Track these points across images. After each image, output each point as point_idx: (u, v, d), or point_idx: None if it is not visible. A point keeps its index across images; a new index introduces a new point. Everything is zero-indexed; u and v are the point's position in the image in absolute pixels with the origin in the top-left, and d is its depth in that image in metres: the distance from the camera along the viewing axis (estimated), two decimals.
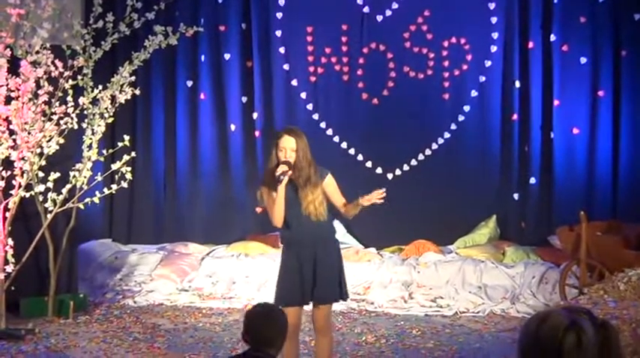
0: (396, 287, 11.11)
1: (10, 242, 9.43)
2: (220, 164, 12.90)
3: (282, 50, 12.74)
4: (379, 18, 12.60)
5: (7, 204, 9.51)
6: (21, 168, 9.50)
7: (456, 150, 12.62)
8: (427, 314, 10.55)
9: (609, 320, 3.80)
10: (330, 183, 6.97)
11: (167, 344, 9.09)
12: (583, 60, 12.19)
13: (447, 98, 12.59)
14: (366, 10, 12.61)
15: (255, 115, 12.84)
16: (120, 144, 10.19)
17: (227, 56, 12.77)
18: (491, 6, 12.43)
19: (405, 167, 12.64)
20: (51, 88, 9.50)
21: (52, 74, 9.52)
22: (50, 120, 9.64)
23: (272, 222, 6.91)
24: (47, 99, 9.54)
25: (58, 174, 9.77)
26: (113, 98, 10.11)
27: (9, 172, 9.46)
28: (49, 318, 10.02)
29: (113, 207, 12.75)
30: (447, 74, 12.56)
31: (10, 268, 9.44)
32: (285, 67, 12.76)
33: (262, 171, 12.39)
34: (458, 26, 12.53)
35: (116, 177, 10.18)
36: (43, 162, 9.70)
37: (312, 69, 12.73)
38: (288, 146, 6.77)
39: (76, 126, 9.85)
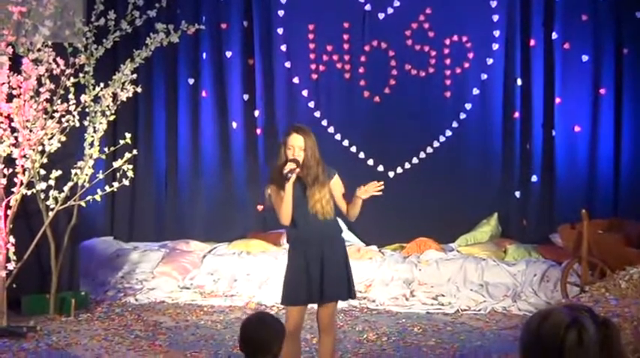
0: (397, 285, 11.12)
1: (12, 239, 9.44)
2: (222, 162, 12.90)
3: (283, 48, 12.74)
4: (381, 16, 12.59)
5: (8, 201, 9.51)
6: (22, 166, 9.51)
7: (457, 148, 12.61)
8: (428, 311, 10.55)
9: (610, 318, 3.80)
10: (336, 183, 6.97)
11: (168, 341, 9.09)
12: (585, 58, 12.18)
13: (448, 96, 12.58)
14: (367, 7, 12.60)
15: (256, 113, 12.85)
16: (121, 141, 10.18)
17: (228, 54, 12.77)
18: (493, 4, 12.42)
19: (407, 165, 12.64)
20: (52, 86, 9.50)
21: (54, 72, 9.52)
22: (52, 117, 9.64)
23: (280, 220, 6.89)
24: (49, 97, 9.53)
25: (59, 172, 9.78)
26: (115, 96, 10.12)
27: (10, 170, 9.47)
28: (51, 316, 10.02)
29: (115, 204, 12.76)
30: (448, 72, 12.55)
31: (11, 266, 9.44)
32: (287, 64, 12.76)
33: (264, 169, 12.56)
34: (459, 24, 12.52)
35: (118, 174, 10.18)
36: (45, 160, 9.70)
37: (313, 67, 12.72)
38: (297, 144, 6.76)
39: (77, 124, 9.85)
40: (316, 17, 12.71)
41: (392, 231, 12.35)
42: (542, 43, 12.33)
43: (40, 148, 9.63)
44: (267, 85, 12.81)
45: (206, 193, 12.90)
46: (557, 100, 12.28)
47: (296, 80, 12.75)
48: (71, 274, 10.70)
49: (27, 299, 10.14)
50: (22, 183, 9.56)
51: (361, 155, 12.63)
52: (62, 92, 9.67)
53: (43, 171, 9.71)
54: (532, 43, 12.35)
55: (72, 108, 9.72)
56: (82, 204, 10.13)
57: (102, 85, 10.06)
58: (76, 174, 9.99)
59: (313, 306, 7.01)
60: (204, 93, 12.81)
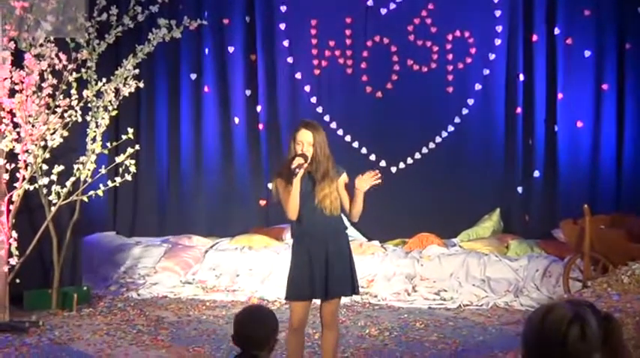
0: (399, 280, 11.12)
1: (14, 234, 9.44)
2: (224, 157, 12.91)
3: (286, 43, 12.74)
4: (383, 11, 12.59)
5: (11, 196, 9.52)
6: (25, 161, 9.51)
7: (459, 144, 12.61)
8: (430, 307, 10.55)
9: (613, 313, 3.80)
10: (343, 181, 6.95)
11: (171, 336, 9.09)
12: (587, 53, 12.18)
13: (450, 91, 12.58)
14: (369, 3, 12.60)
15: (259, 108, 12.85)
16: (124, 136, 10.20)
17: (231, 49, 12.77)
18: None
19: (409, 160, 12.65)
20: (55, 81, 9.51)
21: (56, 67, 9.53)
22: (54, 113, 9.64)
23: (286, 214, 6.87)
24: (51, 92, 9.54)
25: (62, 167, 9.78)
26: (117, 91, 10.12)
27: (13, 165, 9.47)
28: (53, 311, 10.03)
29: (117, 199, 12.77)
30: (450, 67, 12.55)
31: (14, 261, 9.45)
32: (289, 60, 12.76)
33: (266, 164, 12.55)
34: (462, 19, 12.52)
35: (120, 169, 10.20)
36: (47, 155, 9.71)
37: (315, 62, 12.73)
38: (305, 139, 6.75)
39: (79, 119, 9.85)
40: (318, 12, 12.71)
41: (394, 226, 12.36)
42: (545, 39, 12.33)
43: (42, 143, 9.63)
44: (269, 80, 12.82)
45: (208, 188, 12.91)
46: (560, 96, 12.27)
47: (298, 75, 12.75)
48: (73, 269, 10.71)
49: (29, 294, 10.15)
50: (24, 178, 9.56)
51: (363, 150, 12.63)
52: (64, 87, 9.67)
53: (45, 166, 9.72)
54: (534, 38, 12.34)
55: (74, 103, 9.72)
56: (85, 199, 10.14)
57: (104, 80, 10.06)
58: (78, 169, 9.99)
59: (316, 302, 7.01)
60: (206, 89, 12.82)
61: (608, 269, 9.82)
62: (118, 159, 10.19)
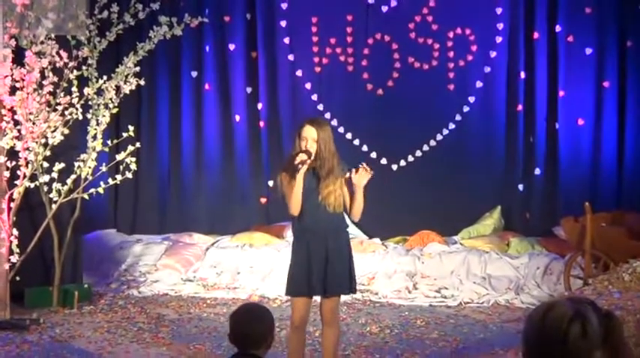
0: (400, 278, 11.12)
1: (15, 232, 9.45)
2: (225, 154, 12.90)
3: (286, 41, 12.73)
4: (384, 8, 12.58)
5: (11, 194, 9.52)
6: (26, 159, 9.51)
7: (460, 141, 12.61)
8: (431, 304, 10.56)
9: (614, 310, 3.80)
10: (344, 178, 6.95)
11: (171, 334, 9.10)
12: (588, 51, 12.17)
13: (451, 89, 12.57)
14: (371, 0, 12.58)
15: (259, 106, 12.85)
16: (124, 134, 10.20)
17: (232, 47, 12.77)
18: None
19: (410, 158, 12.64)
20: (56, 79, 9.51)
21: (57, 64, 9.53)
22: (55, 110, 9.64)
23: (289, 209, 6.88)
24: (52, 90, 9.55)
25: (62, 165, 9.79)
26: (118, 88, 10.12)
27: (14, 163, 9.47)
28: (54, 308, 10.04)
29: (118, 197, 12.76)
30: (451, 65, 12.54)
31: (14, 258, 9.45)
32: (290, 57, 12.76)
33: (267, 162, 12.56)
34: (463, 17, 12.51)
35: (121, 167, 10.20)
36: (48, 153, 9.71)
37: (316, 59, 12.72)
38: (310, 136, 6.76)
39: (80, 117, 9.86)
40: (319, 10, 12.70)
41: (395, 223, 12.35)
42: (546, 36, 12.32)
43: (43, 141, 9.63)
44: (270, 77, 12.81)
45: (209, 186, 12.91)
46: (561, 93, 12.27)
47: (299, 73, 12.74)
48: (74, 267, 10.71)
49: (30, 291, 10.15)
50: (25, 176, 9.56)
51: (364, 148, 12.63)
52: (65, 85, 9.68)
53: (46, 164, 9.72)
54: (536, 36, 12.34)
55: (75, 100, 9.72)
56: (85, 196, 10.14)
57: (105, 77, 10.06)
58: (79, 166, 9.99)
59: (317, 299, 7.01)
60: (207, 86, 12.81)
61: (609, 267, 9.82)
62: (119, 157, 10.20)
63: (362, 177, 6.78)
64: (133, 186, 12.43)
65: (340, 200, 6.82)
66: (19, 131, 9.44)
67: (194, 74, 12.80)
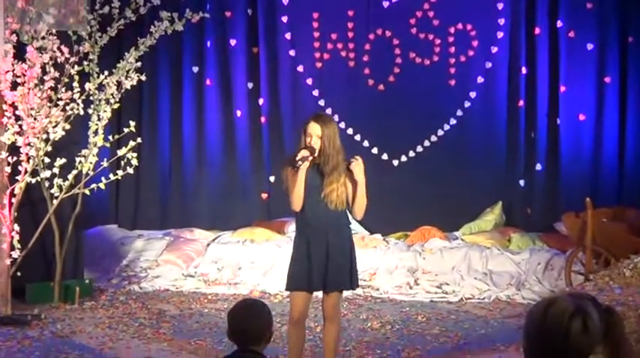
0: (401, 274, 11.12)
1: (16, 227, 9.45)
2: (226, 150, 12.90)
3: (288, 36, 12.73)
4: (385, 4, 12.57)
5: (13, 189, 9.52)
6: (27, 154, 9.51)
7: (461, 137, 12.61)
8: (432, 300, 10.56)
9: (615, 306, 3.81)
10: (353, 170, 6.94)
11: (172, 329, 9.10)
12: (590, 46, 12.17)
13: (452, 84, 12.57)
14: None
15: (261, 101, 12.85)
16: (126, 129, 10.19)
17: (233, 42, 12.76)
18: None
19: (411, 153, 12.64)
20: (57, 74, 9.50)
21: (58, 60, 9.53)
22: (56, 105, 9.64)
23: (291, 204, 6.88)
24: (53, 85, 9.54)
25: (64, 160, 9.78)
26: (119, 84, 10.11)
27: (15, 158, 9.47)
28: (55, 304, 10.03)
29: (119, 192, 12.76)
30: (453, 60, 12.54)
31: (16, 254, 9.45)
32: (291, 52, 12.75)
33: (268, 157, 12.57)
34: (464, 12, 12.51)
35: (122, 162, 10.19)
36: (49, 148, 9.71)
37: (318, 55, 12.71)
38: (314, 132, 6.75)
39: (81, 112, 9.86)
40: (321, 5, 12.70)
41: (396, 219, 12.36)
42: (547, 32, 12.32)
43: (44, 136, 9.63)
44: (271, 73, 12.81)
45: (210, 181, 12.91)
46: (562, 89, 12.27)
47: (300, 68, 12.74)
48: (75, 262, 10.71)
49: (31, 287, 10.15)
50: (26, 171, 9.56)
51: (365, 143, 12.62)
52: (66, 80, 9.67)
53: (47, 159, 9.72)
54: (537, 31, 12.34)
55: (76, 96, 9.72)
56: (87, 192, 10.14)
57: (106, 73, 10.05)
58: (80, 162, 9.99)
59: (318, 295, 7.02)
60: (208, 82, 12.81)
61: (610, 263, 9.83)
62: (120, 152, 10.19)
63: (357, 167, 6.79)
64: (134, 181, 12.42)
65: (343, 197, 6.82)
66: (20, 126, 9.44)
67: (195, 69, 12.80)
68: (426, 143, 12.63)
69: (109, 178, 10.30)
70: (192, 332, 9.01)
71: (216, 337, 8.70)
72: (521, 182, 12.62)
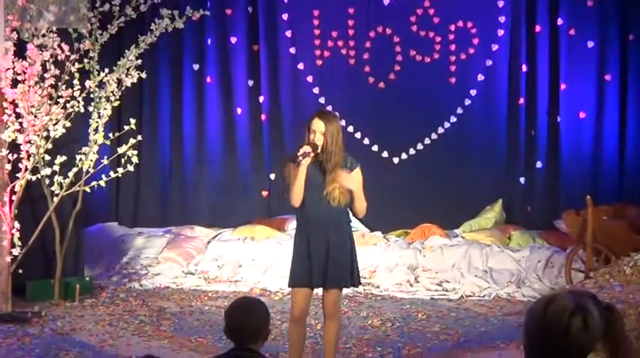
0: (401, 271, 11.12)
1: (17, 225, 9.45)
2: (226, 147, 12.90)
3: (288, 34, 12.72)
4: (386, 1, 12.57)
5: (13, 187, 9.52)
6: (27, 152, 9.51)
7: (462, 135, 12.61)
8: (433, 297, 10.56)
9: (615, 304, 3.81)
10: (357, 177, 6.94)
11: (173, 327, 9.10)
12: (590, 44, 12.16)
13: (453, 82, 12.57)
14: None
15: (261, 99, 12.85)
16: (126, 127, 10.19)
17: (233, 39, 12.76)
18: None
19: (412, 151, 12.64)
20: (57, 72, 9.50)
21: (59, 57, 9.53)
22: (57, 103, 9.64)
23: (290, 200, 6.89)
24: (53, 83, 9.54)
25: (64, 158, 9.78)
26: (119, 81, 10.11)
27: (15, 155, 9.47)
28: (56, 301, 10.03)
29: (119, 190, 12.77)
30: (453, 58, 12.53)
31: (16, 251, 9.46)
32: (292, 50, 12.75)
33: (268, 155, 12.57)
34: (464, 10, 12.50)
35: (122, 160, 10.19)
36: (50, 146, 9.71)
37: (318, 52, 12.71)
38: (318, 129, 6.77)
39: (82, 110, 9.86)
40: (321, 3, 12.70)
41: (396, 217, 12.36)
42: (548, 29, 12.32)
43: (44, 134, 9.63)
44: (271, 70, 12.81)
45: (211, 179, 12.91)
46: (563, 86, 12.27)
47: (301, 66, 12.74)
48: (76, 259, 10.72)
49: (32, 284, 10.16)
50: (26, 169, 9.56)
51: (366, 141, 12.62)
52: (67, 78, 9.67)
53: (47, 157, 9.72)
54: (537, 29, 12.33)
55: (77, 93, 9.72)
56: (87, 189, 10.14)
57: (106, 70, 10.06)
58: (80, 159, 9.99)
59: (319, 292, 7.02)
60: (208, 79, 12.81)
61: (610, 260, 9.83)
62: (121, 150, 10.19)
63: (347, 181, 6.80)
64: (134, 178, 12.43)
65: (346, 194, 6.82)
66: (20, 124, 9.44)
67: (196, 67, 12.80)
68: (427, 141, 12.63)
69: (110, 176, 10.31)
70: (193, 329, 9.02)
71: (216, 334, 8.70)
72: (522, 179, 12.61)
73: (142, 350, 8.19)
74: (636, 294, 7.72)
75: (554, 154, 12.41)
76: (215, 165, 12.92)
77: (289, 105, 12.77)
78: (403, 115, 12.54)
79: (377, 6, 12.61)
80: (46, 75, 9.42)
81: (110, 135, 10.28)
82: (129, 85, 10.19)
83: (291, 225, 11.57)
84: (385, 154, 12.61)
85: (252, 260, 11.46)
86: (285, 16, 12.70)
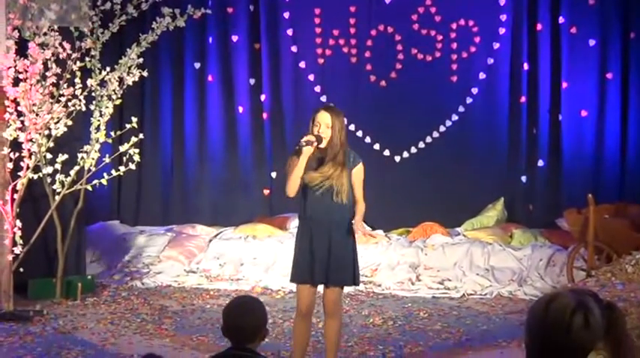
0: (403, 270, 11.12)
1: (19, 223, 9.44)
2: (228, 146, 12.91)
3: (290, 32, 12.72)
4: (387, 0, 12.56)
5: (15, 185, 9.52)
6: (29, 150, 9.51)
7: (463, 133, 12.60)
8: (434, 296, 10.56)
9: (617, 302, 3.81)
10: (358, 173, 6.94)
11: (175, 325, 9.11)
12: (592, 42, 12.15)
13: (454, 80, 12.56)
14: None
15: (262, 97, 12.84)
16: (128, 126, 10.19)
17: (235, 38, 12.76)
18: None
19: (413, 149, 12.64)
20: (59, 70, 9.50)
21: (60, 56, 9.52)
22: (58, 102, 9.64)
23: (286, 189, 6.90)
24: (55, 81, 9.53)
25: (66, 156, 9.77)
26: (121, 80, 10.11)
27: (17, 154, 9.46)
28: (57, 300, 10.03)
29: (121, 188, 12.77)
30: (455, 56, 12.53)
31: (18, 250, 9.45)
32: (293, 48, 12.74)
33: (270, 153, 12.57)
34: (466, 8, 12.50)
35: (124, 158, 10.18)
36: (51, 144, 9.70)
37: (320, 51, 12.71)
38: (324, 121, 6.79)
39: (83, 108, 9.86)
40: (322, 1, 12.70)
41: (398, 215, 12.36)
42: (549, 28, 12.31)
43: (46, 132, 9.63)
44: (273, 69, 12.81)
45: (212, 177, 12.92)
46: (564, 85, 12.26)
47: (302, 64, 12.73)
48: (77, 258, 10.72)
49: (33, 283, 10.16)
50: (28, 167, 9.56)
51: (367, 139, 12.62)
52: (68, 76, 9.67)
53: (49, 155, 9.72)
54: (539, 27, 12.32)
55: (78, 92, 9.72)
56: (89, 188, 10.14)
57: (108, 69, 10.05)
58: (82, 158, 9.99)
59: (321, 290, 7.03)
60: (210, 78, 12.81)
61: (612, 259, 9.83)
62: (122, 149, 10.19)
63: (362, 232, 6.92)
64: (136, 177, 12.43)
65: (344, 189, 6.81)
66: (22, 122, 9.43)
67: (197, 65, 12.80)
68: (428, 139, 12.63)
69: (111, 174, 10.31)
70: (195, 328, 9.02)
71: (218, 333, 8.67)
72: (523, 178, 12.61)
73: (144, 348, 8.19)
74: (638, 293, 7.72)
75: (555, 152, 12.41)
76: (216, 164, 12.93)
77: (291, 103, 12.77)
78: (405, 114, 12.55)
79: (378, 4, 12.60)
80: (47, 73, 9.41)
81: (112, 133, 10.28)
82: (130, 83, 10.18)
83: (293, 224, 11.57)
84: (387, 153, 12.61)
85: (253, 258, 11.46)
86: (286, 15, 12.70)
